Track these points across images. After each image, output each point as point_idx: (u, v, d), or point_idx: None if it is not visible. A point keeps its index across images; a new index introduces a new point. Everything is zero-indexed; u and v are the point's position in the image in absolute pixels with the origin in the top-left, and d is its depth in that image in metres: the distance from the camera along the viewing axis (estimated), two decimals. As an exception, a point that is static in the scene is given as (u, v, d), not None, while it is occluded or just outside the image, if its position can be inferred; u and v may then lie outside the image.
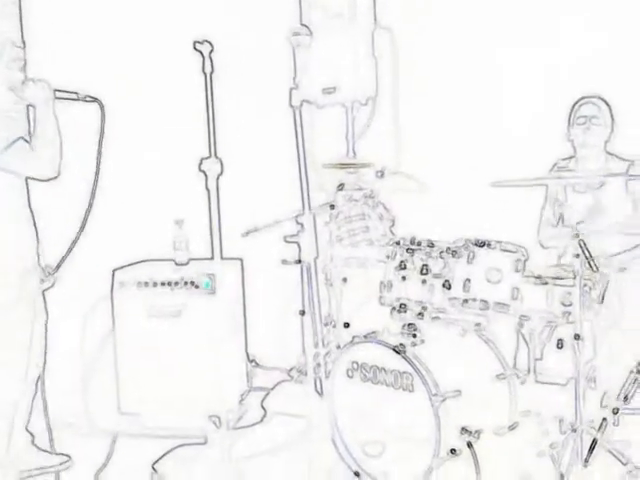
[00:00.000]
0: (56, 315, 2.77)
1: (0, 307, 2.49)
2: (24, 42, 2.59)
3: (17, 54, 2.46)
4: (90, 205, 2.70)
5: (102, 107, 2.61)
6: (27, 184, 2.58)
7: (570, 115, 2.83)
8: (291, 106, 2.85)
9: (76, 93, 2.54)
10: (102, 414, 2.90)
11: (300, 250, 2.83)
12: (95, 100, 2.58)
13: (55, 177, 2.53)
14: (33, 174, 2.49)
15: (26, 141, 2.48)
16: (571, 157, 2.88)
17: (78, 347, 2.97)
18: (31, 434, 2.67)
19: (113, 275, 2.93)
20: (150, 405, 2.87)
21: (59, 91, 2.48)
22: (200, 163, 2.95)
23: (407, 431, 2.43)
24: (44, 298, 2.67)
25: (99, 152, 2.67)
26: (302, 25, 2.93)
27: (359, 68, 3.03)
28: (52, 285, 2.67)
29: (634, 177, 2.73)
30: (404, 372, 2.45)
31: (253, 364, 3.13)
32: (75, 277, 2.83)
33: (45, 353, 2.67)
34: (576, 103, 2.82)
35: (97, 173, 2.69)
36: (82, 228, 2.71)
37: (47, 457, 2.67)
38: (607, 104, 2.80)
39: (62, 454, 2.70)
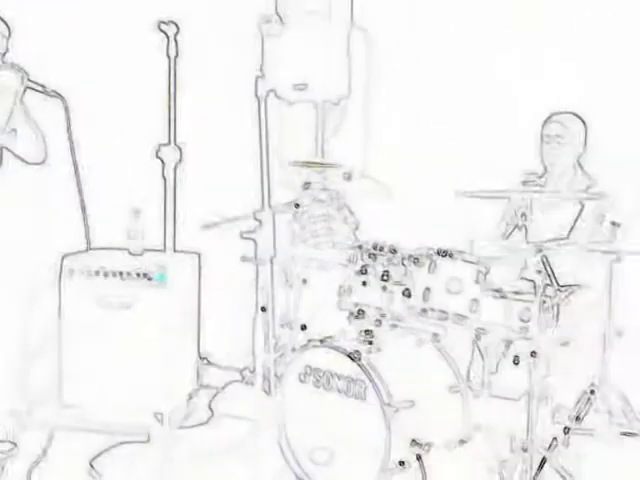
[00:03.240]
0: (1, 300, 2.65)
1: None
2: (9, 30, 2.51)
3: None
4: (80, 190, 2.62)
5: (66, 105, 2.56)
6: None
7: (541, 132, 2.82)
8: (256, 96, 2.77)
9: (43, 86, 2.49)
10: (43, 404, 2.78)
11: (256, 247, 2.76)
12: (59, 96, 2.52)
13: (40, 162, 2.49)
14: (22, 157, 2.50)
15: None
16: (544, 174, 2.86)
17: (21, 334, 2.84)
18: None
19: (62, 261, 2.81)
20: (93, 398, 2.76)
21: (30, 81, 2.42)
22: (158, 150, 2.85)
23: (357, 440, 2.37)
24: None
25: (71, 145, 2.62)
26: (275, 14, 2.85)
27: (332, 66, 2.97)
28: None
29: (591, 197, 2.71)
30: (357, 379, 2.39)
31: (205, 362, 3.03)
32: (23, 261, 2.71)
33: None
34: (547, 120, 2.81)
35: (75, 164, 2.63)
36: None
37: None
38: (582, 120, 2.78)
39: (8, 441, 2.58)
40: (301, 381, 2.50)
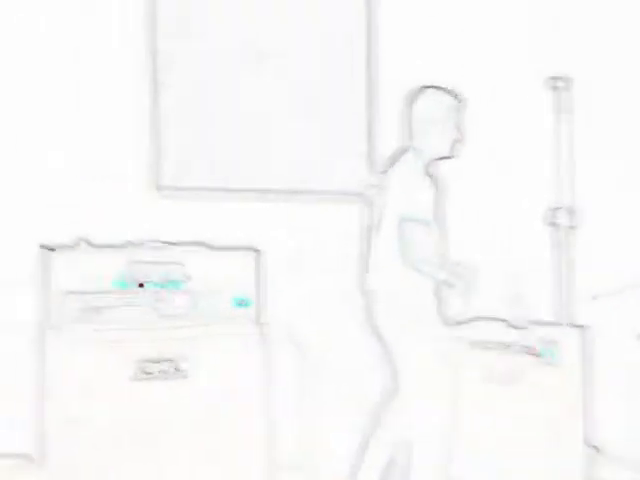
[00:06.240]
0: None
1: None
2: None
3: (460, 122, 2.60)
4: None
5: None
6: None
7: None
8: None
9: None
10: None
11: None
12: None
13: None
14: None
15: None
16: None
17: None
18: None
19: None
20: (479, 475, 2.56)
21: None
22: (550, 214, 2.62)
23: None
24: None
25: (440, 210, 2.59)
26: None
27: None
28: None
29: None
30: None
31: (594, 450, 2.66)
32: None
33: None
34: None
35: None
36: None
37: None
38: None
39: None
40: None
